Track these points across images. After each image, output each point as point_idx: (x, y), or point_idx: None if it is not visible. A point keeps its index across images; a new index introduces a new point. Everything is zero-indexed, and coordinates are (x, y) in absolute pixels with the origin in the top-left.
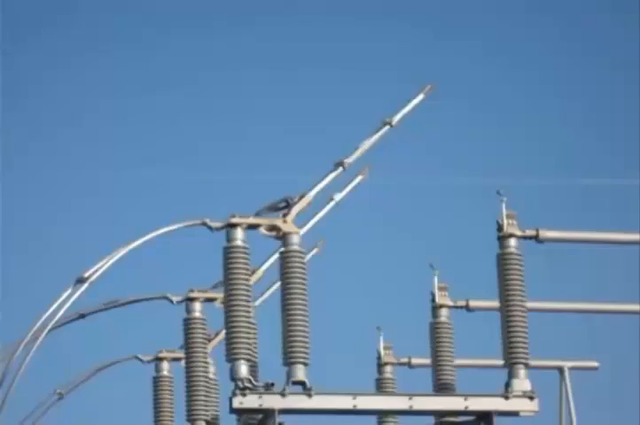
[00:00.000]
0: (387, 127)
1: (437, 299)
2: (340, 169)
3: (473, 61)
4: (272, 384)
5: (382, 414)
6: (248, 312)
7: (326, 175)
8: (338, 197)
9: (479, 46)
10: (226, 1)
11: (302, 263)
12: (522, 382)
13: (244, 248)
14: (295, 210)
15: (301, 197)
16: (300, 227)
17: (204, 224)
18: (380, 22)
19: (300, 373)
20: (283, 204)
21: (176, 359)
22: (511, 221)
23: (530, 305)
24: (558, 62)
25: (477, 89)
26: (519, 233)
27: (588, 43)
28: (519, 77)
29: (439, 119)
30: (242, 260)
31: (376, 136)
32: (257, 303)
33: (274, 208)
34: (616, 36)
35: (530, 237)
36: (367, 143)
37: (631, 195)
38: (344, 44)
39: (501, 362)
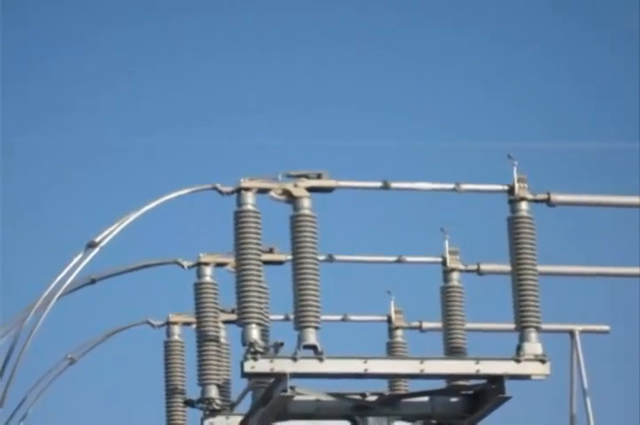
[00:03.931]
0: None
1: (448, 263)
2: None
3: (484, 31)
4: (282, 344)
5: (393, 378)
6: (259, 276)
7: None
8: None
9: (485, 18)
10: None
11: (313, 227)
12: (533, 346)
13: (255, 212)
14: (317, 183)
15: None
16: None
17: (214, 188)
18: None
19: (312, 337)
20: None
21: (188, 324)
22: (522, 185)
23: (541, 268)
24: (564, 29)
25: (487, 57)
26: (530, 196)
27: (593, 11)
28: (528, 44)
29: (451, 86)
30: (253, 224)
31: None
32: None
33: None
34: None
35: (541, 201)
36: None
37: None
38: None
39: (512, 326)
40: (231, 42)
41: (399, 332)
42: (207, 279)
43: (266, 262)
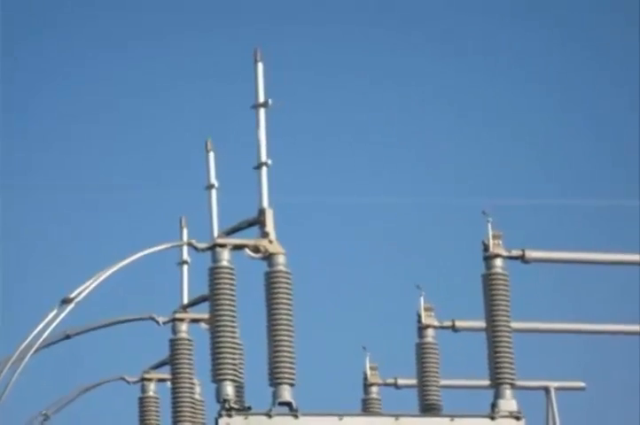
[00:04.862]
0: None
1: (423, 320)
2: None
3: (466, 76)
4: (249, 408)
5: None
6: (234, 332)
7: None
8: None
9: (476, 61)
10: None
11: (288, 284)
12: (508, 403)
13: (229, 268)
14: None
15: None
16: None
17: (190, 245)
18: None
19: (287, 393)
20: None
21: (163, 380)
22: (496, 241)
23: (516, 325)
24: (554, 82)
25: (467, 108)
26: (504, 253)
27: (591, 60)
28: (511, 97)
29: (426, 139)
30: (228, 281)
31: None
32: None
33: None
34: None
35: (516, 257)
36: None
37: (619, 215)
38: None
39: (487, 382)
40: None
41: (374, 389)
42: (183, 335)
43: None
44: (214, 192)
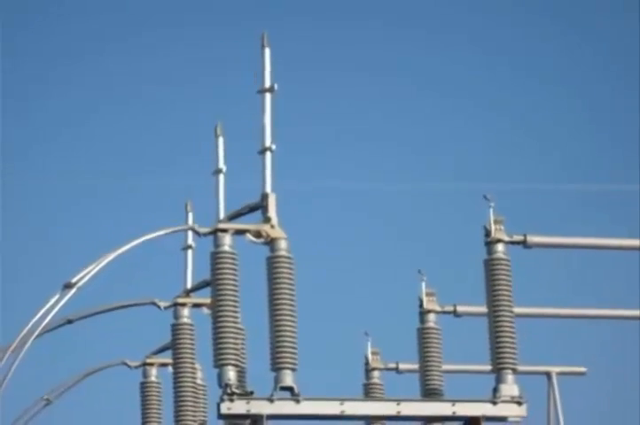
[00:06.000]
0: None
1: (425, 305)
2: None
3: (464, 63)
4: (252, 392)
5: (370, 420)
6: (236, 317)
7: None
8: None
9: (474, 47)
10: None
11: (290, 268)
12: (510, 388)
13: (231, 253)
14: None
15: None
16: None
17: (192, 229)
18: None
19: (289, 378)
20: (246, 211)
21: (164, 365)
22: (498, 227)
23: (518, 310)
24: (551, 65)
25: (467, 94)
26: (506, 238)
27: (587, 46)
28: (510, 82)
29: (427, 125)
30: (230, 266)
31: None
32: None
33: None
34: (616, 37)
35: (518, 243)
36: None
37: (620, 200)
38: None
39: (489, 367)
40: (220, 80)
41: (375, 373)
42: (184, 320)
43: None
44: (221, 177)
